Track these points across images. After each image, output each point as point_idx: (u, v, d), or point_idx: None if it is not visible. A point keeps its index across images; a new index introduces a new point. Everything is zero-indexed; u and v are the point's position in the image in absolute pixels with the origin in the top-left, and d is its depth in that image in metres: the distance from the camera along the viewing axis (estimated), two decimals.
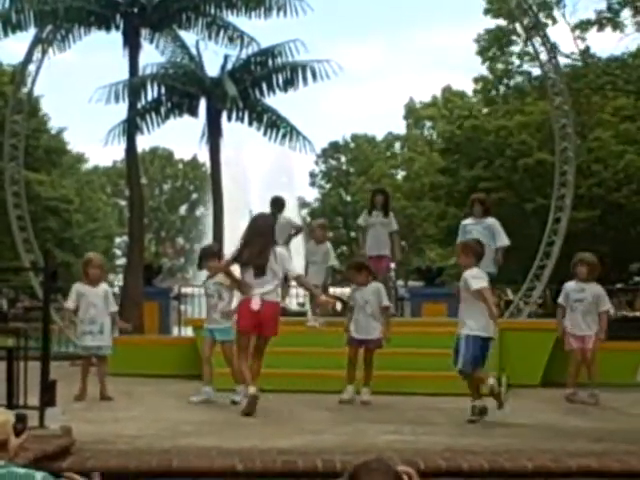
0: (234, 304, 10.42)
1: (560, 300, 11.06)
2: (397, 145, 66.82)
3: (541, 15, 29.90)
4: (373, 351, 10.45)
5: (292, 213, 15.41)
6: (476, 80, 38.56)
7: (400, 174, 61.22)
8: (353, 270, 10.82)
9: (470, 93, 46.87)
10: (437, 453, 6.93)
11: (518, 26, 29.51)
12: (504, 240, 12.68)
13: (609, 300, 11.56)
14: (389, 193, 15.25)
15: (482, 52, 33.87)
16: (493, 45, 33.23)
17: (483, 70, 36.14)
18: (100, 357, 10.84)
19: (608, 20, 29.79)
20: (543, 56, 19.06)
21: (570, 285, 10.94)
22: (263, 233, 9.67)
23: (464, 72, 47.01)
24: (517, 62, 33.20)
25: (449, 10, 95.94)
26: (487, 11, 32.18)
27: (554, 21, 30.72)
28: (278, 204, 14.85)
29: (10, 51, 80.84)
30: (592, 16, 30.32)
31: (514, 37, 31.83)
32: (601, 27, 29.95)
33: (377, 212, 13.84)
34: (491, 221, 13.09)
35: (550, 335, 11.94)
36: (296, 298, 19.26)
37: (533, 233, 26.13)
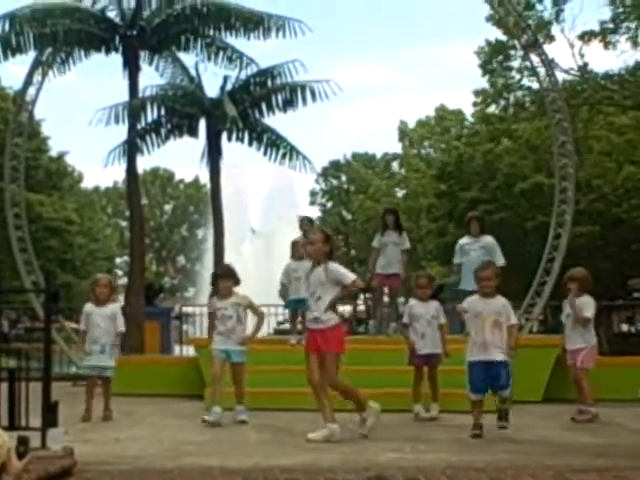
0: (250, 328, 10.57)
1: (562, 317, 11.09)
2: (395, 164, 66.96)
3: (539, 35, 30.03)
4: (437, 366, 10.65)
5: (294, 232, 15.35)
6: (476, 93, 38.49)
7: (400, 192, 61.29)
8: (418, 285, 11.02)
9: (466, 111, 46.91)
10: (439, 470, 6.93)
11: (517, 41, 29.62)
12: (501, 260, 12.83)
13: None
14: (399, 211, 15.33)
15: (483, 65, 33.88)
16: (493, 58, 33.24)
17: (484, 86, 36.20)
18: (104, 379, 10.83)
19: (611, 32, 29.86)
20: (542, 73, 19.11)
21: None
22: None
23: (465, 89, 47.15)
24: (517, 77, 33.26)
25: (449, 28, 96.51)
26: (490, 18, 32.14)
27: (551, 40, 30.79)
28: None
29: (13, 75, 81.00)
30: (592, 29, 30.44)
31: (513, 52, 31.86)
32: (604, 39, 29.99)
33: (390, 231, 13.96)
34: (488, 239, 13.28)
35: (552, 351, 11.95)
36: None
37: (533, 250, 26.13)
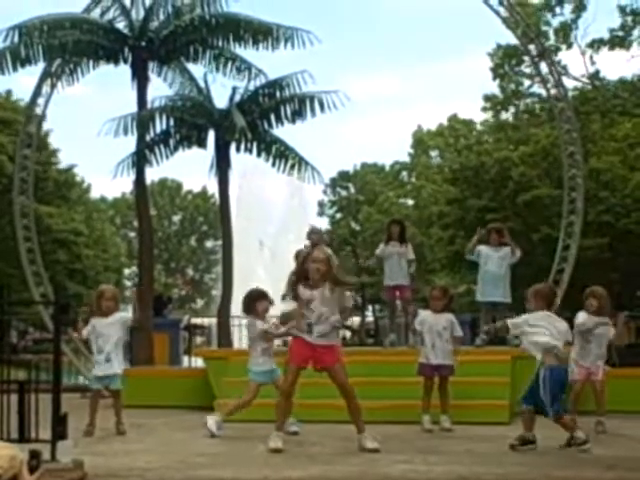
0: None
1: None
2: (405, 173, 66.79)
3: (558, 39, 30.02)
4: (448, 378, 10.67)
5: (303, 243, 15.28)
6: (486, 98, 38.26)
7: (409, 202, 61.13)
8: (431, 297, 10.96)
9: (477, 120, 46.62)
10: None
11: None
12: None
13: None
14: (404, 223, 15.25)
15: (495, 68, 33.71)
16: (505, 62, 33.07)
17: (494, 91, 36.05)
18: (113, 391, 10.59)
19: (620, 39, 29.81)
20: (551, 82, 19.08)
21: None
22: None
23: (477, 101, 46.89)
24: (527, 83, 33.12)
25: (461, 40, 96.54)
26: (505, 20, 32.06)
27: (569, 46, 30.77)
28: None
29: (25, 88, 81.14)
30: (603, 37, 30.40)
31: (526, 57, 31.80)
32: (613, 47, 29.94)
33: (394, 242, 13.95)
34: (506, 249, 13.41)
35: None
36: None
37: (541, 261, 26.03)
